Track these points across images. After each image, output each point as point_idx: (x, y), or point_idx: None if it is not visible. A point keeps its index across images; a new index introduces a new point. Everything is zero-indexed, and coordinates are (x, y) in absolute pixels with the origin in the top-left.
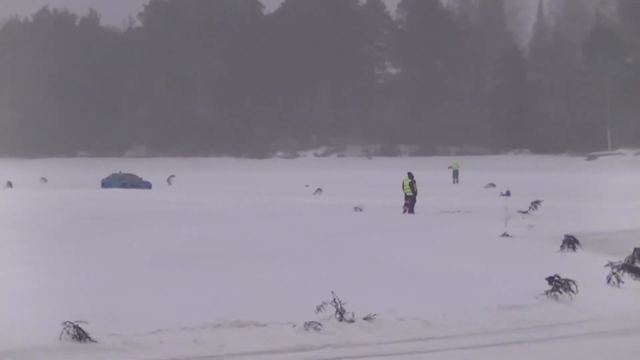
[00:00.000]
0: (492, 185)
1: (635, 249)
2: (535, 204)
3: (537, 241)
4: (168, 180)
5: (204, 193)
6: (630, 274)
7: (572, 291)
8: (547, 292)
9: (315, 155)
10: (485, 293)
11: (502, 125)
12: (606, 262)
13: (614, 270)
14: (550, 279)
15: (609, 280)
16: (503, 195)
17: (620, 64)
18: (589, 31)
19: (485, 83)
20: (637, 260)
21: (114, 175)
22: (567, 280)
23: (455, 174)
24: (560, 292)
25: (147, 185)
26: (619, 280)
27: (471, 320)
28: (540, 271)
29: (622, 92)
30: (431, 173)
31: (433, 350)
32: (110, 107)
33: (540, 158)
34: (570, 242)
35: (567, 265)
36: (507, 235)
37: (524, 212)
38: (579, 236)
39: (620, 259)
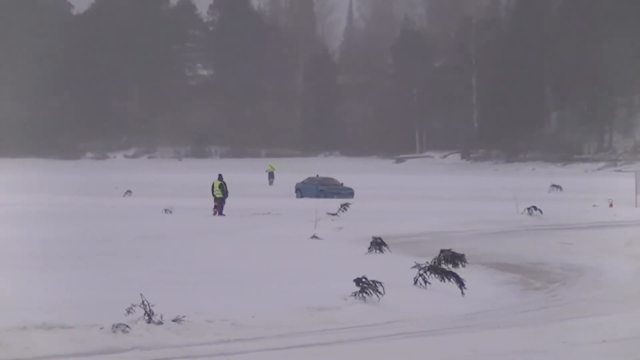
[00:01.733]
0: None
1: (442, 251)
2: (345, 206)
3: (346, 243)
4: None
5: None
6: (436, 276)
7: (380, 293)
8: (355, 294)
9: (125, 156)
10: (294, 294)
11: (313, 128)
12: (413, 264)
13: (421, 272)
14: (358, 281)
15: (415, 282)
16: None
17: (428, 67)
18: (397, 35)
19: (296, 85)
20: (443, 261)
21: (311, 179)
22: (374, 282)
23: (271, 175)
24: (367, 294)
25: (350, 193)
26: (425, 282)
27: (280, 321)
28: (349, 273)
29: (430, 95)
30: (243, 175)
31: (241, 352)
32: None
33: (350, 160)
34: (378, 244)
35: (374, 266)
36: (317, 237)
37: (334, 214)
38: (387, 238)
39: (427, 260)
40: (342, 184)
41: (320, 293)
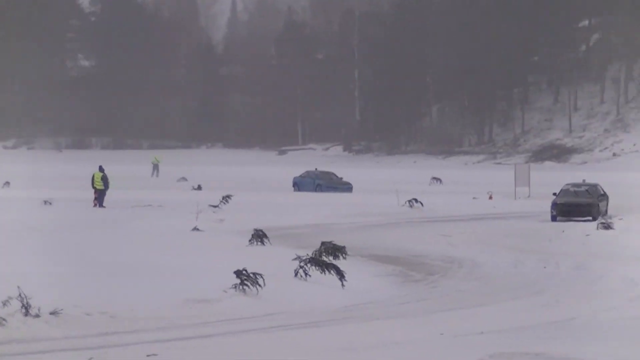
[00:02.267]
0: (184, 179)
1: (323, 243)
2: (226, 198)
3: (227, 235)
4: None
5: None
6: (317, 268)
7: (259, 285)
8: (235, 286)
9: (5, 147)
10: (174, 287)
11: (195, 120)
12: (294, 256)
13: (302, 264)
14: (238, 273)
15: (296, 274)
16: (195, 189)
17: (310, 59)
18: (280, 27)
19: (179, 77)
20: (324, 253)
21: (308, 173)
22: (254, 274)
23: (156, 167)
24: (247, 286)
25: (348, 187)
26: (306, 274)
27: (159, 314)
28: (229, 265)
29: (313, 87)
30: (126, 167)
31: (119, 344)
32: None
33: (233, 152)
34: (259, 236)
35: (255, 259)
36: (198, 229)
37: (215, 206)
38: (268, 230)
39: (307, 252)
40: (341, 178)
41: (201, 285)
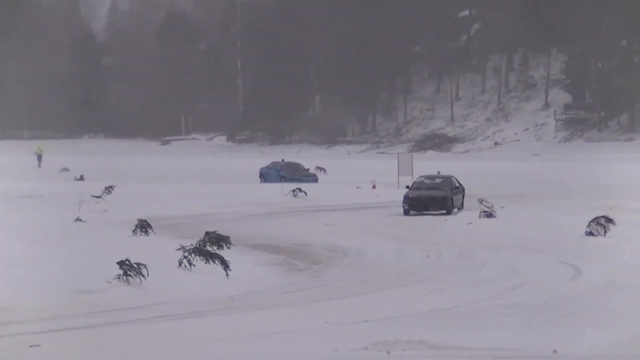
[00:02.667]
0: (66, 169)
1: (207, 233)
2: (109, 188)
3: (111, 226)
4: None
5: None
6: (201, 258)
7: (143, 275)
8: (118, 276)
9: None
10: (57, 278)
11: (77, 109)
12: (178, 246)
13: (185, 254)
14: (121, 263)
15: (180, 264)
16: (77, 179)
17: (193, 49)
18: (162, 17)
19: (60, 66)
20: (208, 243)
21: (274, 164)
22: (138, 264)
23: (39, 158)
24: (131, 276)
25: (314, 179)
26: (190, 264)
27: (43, 305)
28: (113, 255)
29: (196, 78)
30: (5, 157)
31: (2, 335)
32: None
33: (115, 142)
34: (143, 226)
35: (139, 249)
36: (81, 219)
37: (98, 197)
38: (152, 220)
39: (192, 242)
40: (307, 169)
41: (84, 276)
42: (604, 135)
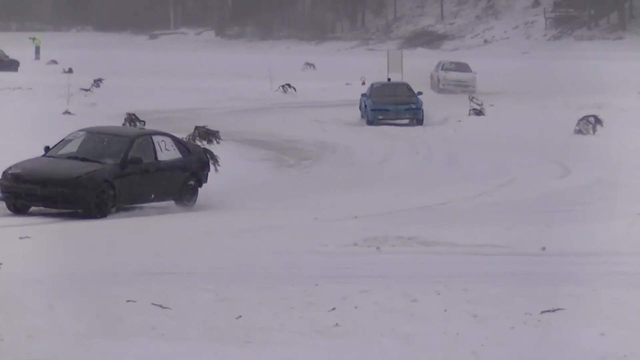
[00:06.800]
0: (54, 62)
1: (197, 127)
2: (98, 81)
3: (99, 119)
4: None
5: None
6: None
7: None
8: None
9: None
10: None
11: (64, 1)
12: None
13: None
14: None
15: None
16: (65, 72)
17: None
18: None
19: None
20: (198, 138)
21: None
22: None
23: (37, 50)
24: None
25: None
26: None
27: None
28: None
29: None
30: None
31: None
32: None
33: (103, 35)
34: (132, 120)
35: None
36: (70, 112)
37: (87, 90)
38: (141, 114)
39: (182, 136)
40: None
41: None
42: (593, 33)
